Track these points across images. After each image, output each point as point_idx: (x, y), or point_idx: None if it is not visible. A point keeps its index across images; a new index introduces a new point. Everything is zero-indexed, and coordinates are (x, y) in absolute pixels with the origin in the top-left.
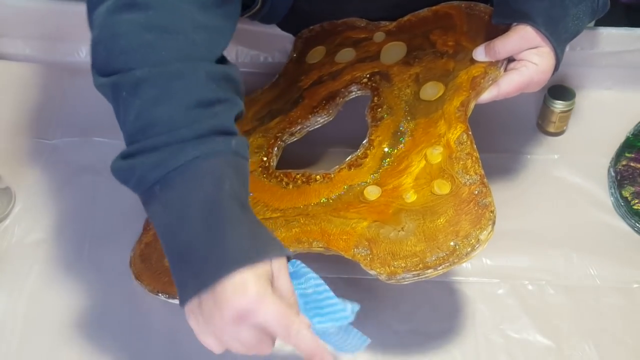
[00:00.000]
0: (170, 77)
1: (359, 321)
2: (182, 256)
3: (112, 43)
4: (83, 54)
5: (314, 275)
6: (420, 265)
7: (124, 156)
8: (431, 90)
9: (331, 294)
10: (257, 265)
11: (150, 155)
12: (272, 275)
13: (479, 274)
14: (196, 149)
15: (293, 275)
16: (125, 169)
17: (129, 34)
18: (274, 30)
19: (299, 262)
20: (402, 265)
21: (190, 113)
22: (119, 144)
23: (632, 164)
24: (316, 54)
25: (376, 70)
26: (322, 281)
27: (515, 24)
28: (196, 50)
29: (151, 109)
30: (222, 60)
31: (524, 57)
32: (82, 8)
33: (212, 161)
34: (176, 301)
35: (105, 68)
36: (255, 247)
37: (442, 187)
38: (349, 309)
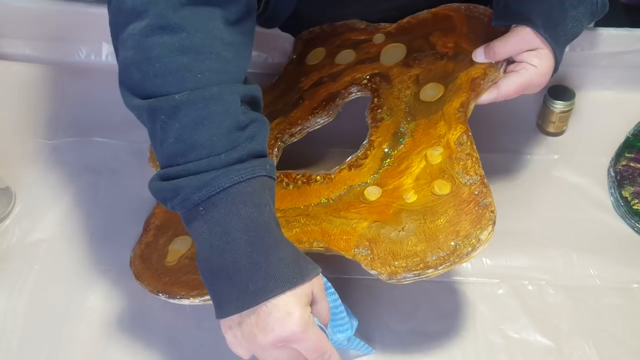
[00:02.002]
0: (208, 101)
1: (360, 320)
2: (226, 274)
3: (146, 66)
4: (83, 54)
5: (332, 290)
6: (421, 265)
7: (165, 177)
8: (431, 92)
9: (343, 307)
10: (299, 288)
11: (194, 177)
12: (313, 296)
13: (479, 274)
14: (238, 173)
15: None
16: (167, 189)
17: (164, 57)
18: (274, 30)
19: (324, 277)
20: (403, 265)
21: (229, 137)
22: (119, 144)
23: (632, 164)
24: (316, 55)
25: (376, 71)
26: (337, 295)
27: (514, 25)
28: (228, 70)
29: (192, 133)
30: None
31: (523, 59)
32: (83, 9)
33: (252, 185)
34: (176, 301)
35: (140, 90)
36: (298, 270)
37: (442, 188)
38: (354, 324)
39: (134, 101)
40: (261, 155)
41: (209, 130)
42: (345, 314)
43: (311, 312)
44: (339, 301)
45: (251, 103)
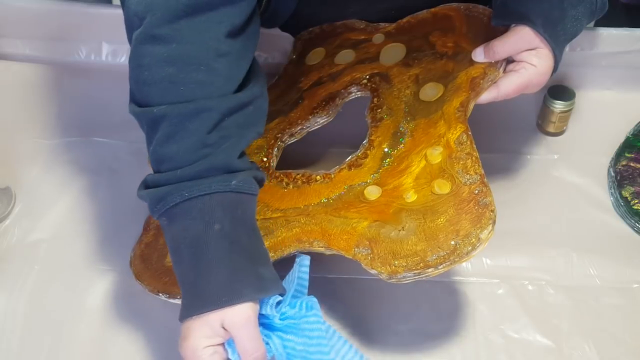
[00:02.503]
0: (185, 117)
1: (360, 320)
2: (180, 283)
3: (137, 74)
4: (83, 54)
5: (316, 315)
6: (421, 264)
7: (143, 185)
8: (431, 91)
9: (330, 334)
10: (204, 316)
11: (156, 190)
12: (226, 328)
13: (479, 274)
14: (190, 189)
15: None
16: (141, 196)
17: (152, 66)
18: (274, 30)
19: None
20: (403, 264)
21: (196, 153)
22: (118, 144)
23: (632, 164)
24: (316, 55)
25: (376, 71)
26: (322, 322)
27: (513, 25)
28: (215, 82)
29: (163, 146)
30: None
31: (522, 59)
32: (83, 9)
33: (205, 201)
34: (176, 301)
35: (134, 97)
36: (222, 294)
37: (442, 187)
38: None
39: (131, 106)
40: (229, 170)
41: (177, 145)
42: (334, 341)
43: (222, 345)
44: (324, 328)
45: (239, 114)
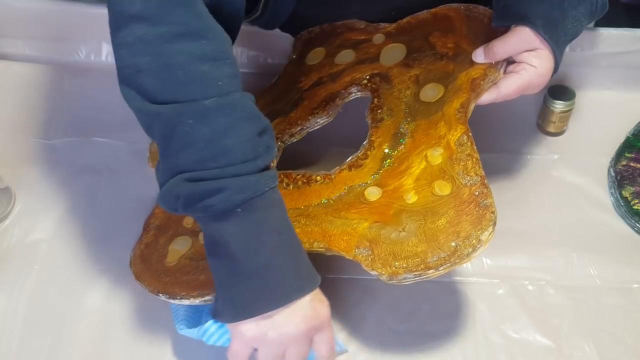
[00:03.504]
0: (234, 108)
1: (360, 320)
2: (257, 273)
3: (167, 73)
4: (83, 54)
5: None
6: (422, 265)
7: (194, 180)
8: (431, 92)
9: None
10: (318, 288)
11: (237, 179)
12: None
13: (479, 274)
14: (270, 180)
15: None
16: (203, 191)
17: (187, 64)
18: (274, 31)
19: None
20: (404, 265)
21: (254, 143)
22: (118, 144)
23: (632, 164)
24: (315, 55)
25: (376, 71)
26: None
27: (514, 26)
28: (238, 75)
29: (222, 138)
30: None
31: (523, 60)
32: (83, 9)
33: (277, 191)
34: (176, 301)
35: (157, 95)
36: (314, 272)
37: (442, 188)
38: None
39: (146, 106)
40: (269, 165)
41: (237, 136)
42: None
43: None
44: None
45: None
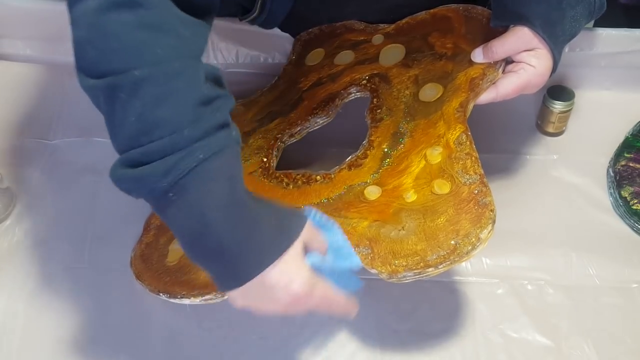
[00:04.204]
0: (170, 76)
1: (359, 320)
2: (213, 256)
3: (103, 43)
4: None
5: (332, 222)
6: (421, 263)
7: (127, 164)
8: (430, 92)
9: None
10: (289, 252)
11: (159, 162)
12: (305, 244)
13: (479, 274)
14: (203, 149)
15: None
16: (132, 179)
17: (122, 33)
18: (274, 31)
19: (315, 213)
20: (403, 264)
21: (194, 111)
22: None
23: (631, 164)
24: (315, 56)
25: (375, 72)
26: (338, 227)
27: (512, 26)
28: (187, 47)
29: (154, 110)
30: None
31: (521, 60)
32: None
33: (221, 158)
34: (177, 301)
35: (96, 69)
36: (283, 234)
37: (442, 187)
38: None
39: (89, 82)
40: (226, 124)
41: (172, 106)
42: (348, 244)
43: (307, 254)
44: (341, 232)
45: (215, 80)
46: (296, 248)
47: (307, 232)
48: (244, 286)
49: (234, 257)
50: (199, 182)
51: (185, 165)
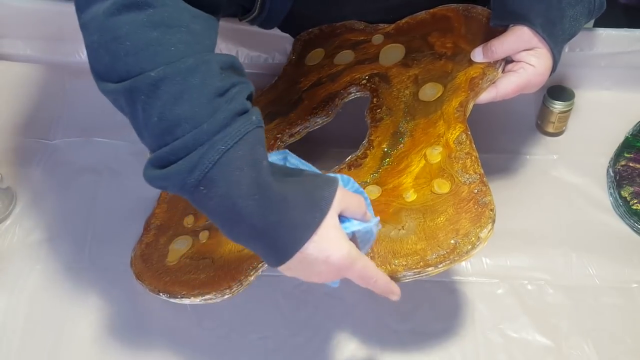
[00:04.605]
0: (186, 73)
1: (359, 320)
2: (252, 239)
3: (115, 46)
4: (84, 54)
5: (355, 184)
6: (421, 263)
7: (156, 164)
8: (430, 91)
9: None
10: (324, 225)
11: (184, 160)
12: (340, 211)
13: (479, 274)
14: (223, 141)
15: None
16: (161, 178)
17: (133, 34)
18: (274, 31)
19: (348, 181)
20: (403, 263)
21: (210, 105)
22: (119, 145)
23: (631, 164)
24: (315, 56)
25: (375, 71)
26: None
27: (512, 25)
28: (200, 42)
29: (173, 108)
30: None
31: (521, 59)
32: None
33: (242, 146)
34: (177, 300)
35: (112, 73)
36: (314, 206)
37: (441, 186)
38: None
39: (108, 86)
40: (245, 110)
41: (189, 102)
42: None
43: (342, 220)
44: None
45: (232, 69)
46: (331, 219)
47: (341, 200)
48: (286, 263)
49: (270, 240)
50: (224, 173)
51: (209, 159)
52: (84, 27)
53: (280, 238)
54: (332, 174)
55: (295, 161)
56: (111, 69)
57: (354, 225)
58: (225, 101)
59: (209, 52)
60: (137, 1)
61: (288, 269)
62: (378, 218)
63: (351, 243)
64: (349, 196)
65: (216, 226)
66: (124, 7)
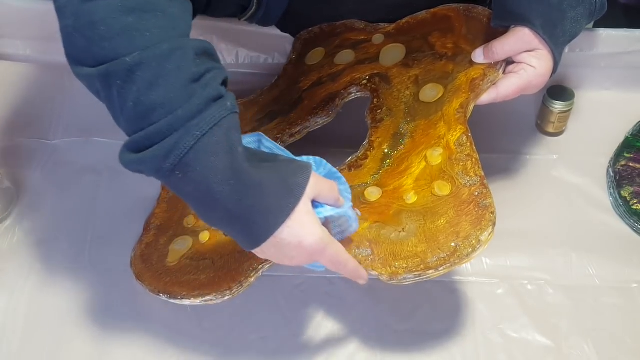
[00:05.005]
0: (161, 59)
1: (360, 320)
2: (226, 223)
3: (91, 31)
4: None
5: (335, 171)
6: (422, 266)
7: (132, 148)
8: (430, 92)
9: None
10: (297, 210)
11: (158, 146)
12: (313, 196)
13: (479, 274)
14: (198, 127)
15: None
16: (137, 162)
17: (108, 19)
18: (274, 31)
19: (320, 164)
20: (404, 266)
21: (185, 91)
22: (118, 144)
23: (631, 164)
24: (315, 55)
25: (375, 72)
26: (339, 174)
27: (513, 26)
28: (177, 26)
29: (148, 94)
30: None
31: (522, 60)
32: None
33: (217, 132)
34: (177, 301)
35: (87, 57)
36: (289, 192)
37: (442, 189)
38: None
39: (83, 70)
40: (219, 96)
41: (164, 88)
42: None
43: (315, 205)
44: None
45: (206, 54)
46: (304, 205)
47: (314, 186)
48: (262, 247)
49: (245, 224)
50: (200, 158)
51: (184, 144)
52: (59, 10)
53: (255, 223)
54: (305, 158)
55: (269, 144)
56: (87, 54)
57: (327, 211)
58: (200, 87)
59: (185, 36)
60: None
61: (262, 252)
62: (351, 204)
63: (324, 228)
64: (322, 182)
65: (192, 209)
66: None
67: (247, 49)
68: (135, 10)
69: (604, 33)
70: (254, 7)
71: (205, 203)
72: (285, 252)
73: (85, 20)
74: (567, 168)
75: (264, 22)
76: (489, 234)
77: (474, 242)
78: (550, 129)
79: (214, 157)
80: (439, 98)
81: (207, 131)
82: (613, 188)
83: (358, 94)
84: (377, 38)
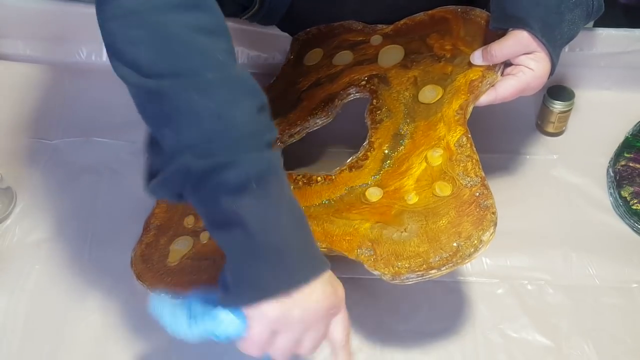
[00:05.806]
0: (235, 82)
1: (360, 320)
2: (275, 251)
3: (163, 45)
4: (84, 54)
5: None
6: (424, 265)
7: (203, 154)
8: (430, 94)
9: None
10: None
11: (252, 154)
12: None
13: (479, 274)
14: (277, 156)
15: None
16: (214, 165)
17: (183, 36)
18: (274, 30)
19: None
20: (406, 265)
21: (258, 118)
22: (119, 144)
23: (631, 164)
24: (314, 56)
25: (374, 73)
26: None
27: (511, 29)
28: (234, 51)
29: (228, 112)
30: None
31: (520, 62)
32: (83, 9)
33: (285, 172)
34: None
35: (155, 70)
36: (323, 256)
37: (443, 189)
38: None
39: (142, 81)
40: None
41: (242, 110)
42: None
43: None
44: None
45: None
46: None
47: None
48: (289, 292)
49: (295, 257)
50: (278, 182)
51: (274, 163)
52: (116, 19)
53: (306, 259)
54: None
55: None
56: (154, 66)
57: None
58: (264, 121)
59: (235, 61)
60: (185, 3)
61: (278, 301)
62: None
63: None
64: None
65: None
66: (172, 7)
67: (247, 49)
68: (208, 32)
69: (604, 33)
70: (256, 6)
71: (262, 223)
72: (315, 297)
73: (158, 33)
74: (567, 168)
75: (265, 22)
76: (491, 234)
77: (475, 242)
78: (550, 129)
79: (286, 186)
80: (438, 99)
81: (282, 166)
82: (613, 188)
83: (357, 94)
84: (375, 39)
